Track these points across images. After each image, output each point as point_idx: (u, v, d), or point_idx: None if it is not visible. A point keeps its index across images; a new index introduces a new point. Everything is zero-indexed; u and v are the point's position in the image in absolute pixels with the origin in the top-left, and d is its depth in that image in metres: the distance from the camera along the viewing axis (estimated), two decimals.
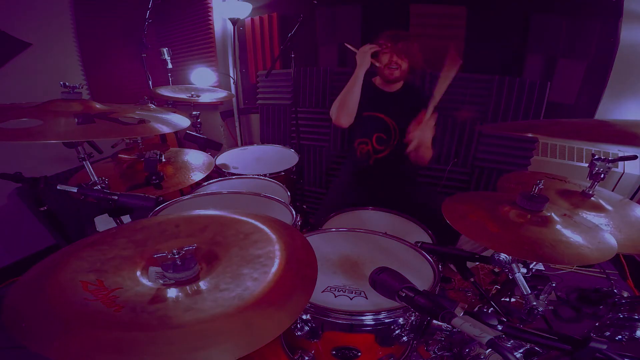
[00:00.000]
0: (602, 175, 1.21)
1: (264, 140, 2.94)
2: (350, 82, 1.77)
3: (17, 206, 2.16)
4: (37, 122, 0.89)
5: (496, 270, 1.64)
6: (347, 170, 2.05)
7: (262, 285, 0.62)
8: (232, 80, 2.93)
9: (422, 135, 1.56)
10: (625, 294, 1.03)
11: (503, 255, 0.95)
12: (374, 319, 0.86)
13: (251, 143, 3.03)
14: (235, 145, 2.31)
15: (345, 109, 1.80)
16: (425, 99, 1.82)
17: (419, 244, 1.12)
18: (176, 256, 0.65)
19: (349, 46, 1.84)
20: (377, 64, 1.77)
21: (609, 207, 1.20)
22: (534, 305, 0.96)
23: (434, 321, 0.75)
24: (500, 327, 0.55)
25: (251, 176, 1.72)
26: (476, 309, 0.94)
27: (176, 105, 2.55)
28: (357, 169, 1.97)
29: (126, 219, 1.05)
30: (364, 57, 1.72)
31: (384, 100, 1.81)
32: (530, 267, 1.06)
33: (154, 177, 1.30)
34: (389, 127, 1.81)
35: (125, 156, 1.49)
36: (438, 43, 2.23)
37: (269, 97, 2.81)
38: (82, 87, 1.09)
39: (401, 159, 1.81)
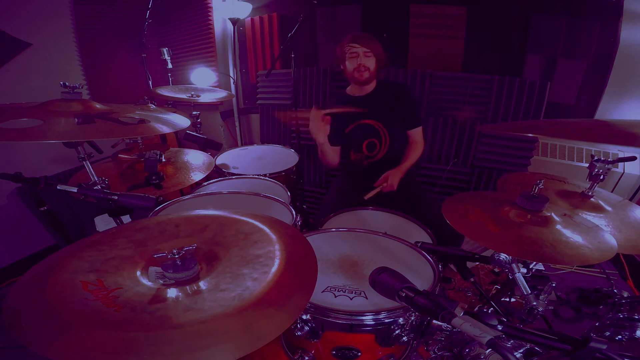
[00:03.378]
0: (601, 177, 1.22)
1: (264, 140, 2.95)
2: (319, 151, 1.77)
3: (17, 206, 2.16)
4: (37, 122, 0.89)
5: (496, 270, 1.64)
6: (345, 172, 2.05)
7: (262, 285, 0.62)
8: (232, 80, 2.93)
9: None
10: (625, 294, 1.03)
11: (503, 255, 0.95)
12: (374, 319, 0.86)
13: (251, 143, 3.03)
14: (235, 145, 2.31)
15: (327, 159, 1.83)
16: (401, 87, 1.83)
17: (419, 244, 1.12)
18: (176, 256, 0.65)
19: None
20: (345, 70, 1.77)
21: (608, 208, 1.20)
22: (534, 305, 0.96)
23: (434, 321, 0.75)
24: (500, 327, 0.55)
25: (251, 176, 1.72)
26: (476, 309, 0.94)
27: (176, 105, 2.55)
28: (353, 172, 1.97)
29: (126, 219, 1.05)
30: (316, 127, 1.58)
31: (362, 105, 1.79)
32: (530, 267, 1.06)
33: (154, 177, 1.30)
34: (376, 130, 1.80)
35: (125, 156, 1.49)
36: (438, 43, 2.23)
37: (269, 97, 2.81)
38: (82, 87, 1.08)
39: (394, 156, 1.81)
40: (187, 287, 0.64)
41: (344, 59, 1.75)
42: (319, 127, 1.58)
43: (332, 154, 1.83)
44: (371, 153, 1.86)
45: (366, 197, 1.58)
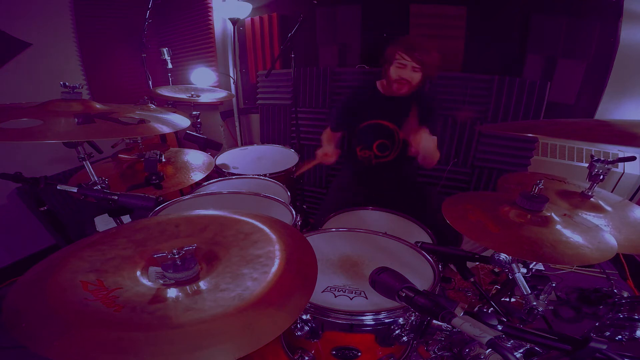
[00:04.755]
0: (601, 177, 1.22)
1: (264, 140, 2.94)
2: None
3: (17, 206, 2.16)
4: (37, 122, 0.89)
5: (496, 270, 1.64)
6: (348, 171, 2.05)
7: (262, 285, 0.62)
8: (232, 80, 2.93)
9: (425, 143, 1.53)
10: (625, 294, 1.03)
11: (503, 255, 0.95)
12: (374, 319, 0.86)
13: (251, 143, 3.03)
14: (235, 145, 2.31)
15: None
16: (430, 104, 1.80)
17: (419, 244, 1.12)
18: (176, 256, 0.65)
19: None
20: (387, 73, 1.69)
21: (608, 208, 1.20)
22: (534, 305, 0.96)
23: (434, 321, 0.76)
24: (500, 327, 0.55)
25: (251, 176, 1.72)
26: (476, 309, 0.94)
27: (176, 105, 2.55)
28: (357, 170, 1.97)
29: (126, 219, 1.05)
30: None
31: (388, 106, 1.77)
32: (530, 267, 1.06)
33: (154, 177, 1.30)
34: (392, 134, 1.78)
35: (125, 156, 1.49)
36: (438, 43, 2.23)
37: (269, 97, 2.81)
38: (82, 87, 1.08)
39: (403, 161, 1.81)
40: (187, 287, 0.64)
41: (391, 62, 1.67)
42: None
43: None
44: (382, 154, 1.84)
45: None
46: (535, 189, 0.99)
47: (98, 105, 1.09)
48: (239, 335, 0.54)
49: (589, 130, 0.87)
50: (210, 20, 2.81)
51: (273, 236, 0.78)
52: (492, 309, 1.02)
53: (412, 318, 0.87)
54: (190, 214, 0.90)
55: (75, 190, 0.93)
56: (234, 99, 2.94)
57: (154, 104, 1.92)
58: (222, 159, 1.98)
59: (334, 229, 1.26)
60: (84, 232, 2.26)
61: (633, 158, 1.32)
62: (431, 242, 1.29)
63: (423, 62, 1.61)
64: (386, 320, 0.86)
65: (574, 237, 0.91)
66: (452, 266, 1.12)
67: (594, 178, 1.23)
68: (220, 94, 2.23)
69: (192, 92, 2.07)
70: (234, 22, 2.58)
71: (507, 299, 1.28)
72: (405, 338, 0.88)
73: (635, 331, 0.93)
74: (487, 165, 2.24)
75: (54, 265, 0.67)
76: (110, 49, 2.69)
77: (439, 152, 1.79)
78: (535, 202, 0.98)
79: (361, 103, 1.83)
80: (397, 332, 0.87)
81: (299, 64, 2.37)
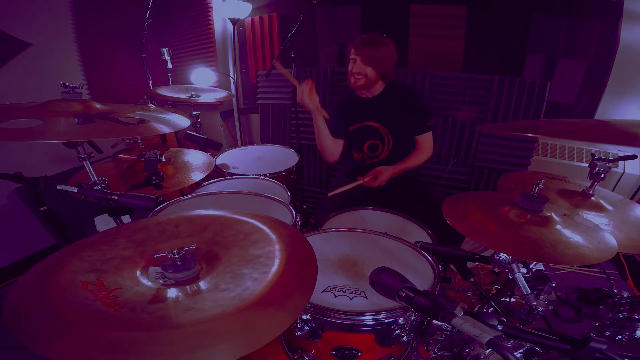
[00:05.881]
0: (602, 175, 1.21)
1: (264, 140, 2.94)
2: (315, 131, 1.78)
3: (17, 206, 2.16)
4: (37, 122, 0.89)
5: (496, 270, 1.63)
6: (346, 171, 2.05)
7: (262, 285, 0.62)
8: (232, 80, 2.93)
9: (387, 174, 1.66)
10: (625, 294, 1.03)
11: (503, 255, 0.95)
12: (374, 319, 0.86)
13: (251, 143, 3.03)
14: (235, 145, 2.31)
15: (326, 151, 1.85)
16: (411, 93, 1.81)
17: (419, 244, 1.12)
18: (176, 256, 0.65)
19: (281, 70, 1.76)
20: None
21: (609, 207, 1.20)
22: (534, 305, 0.96)
23: (434, 321, 0.75)
24: (500, 327, 0.55)
25: (251, 176, 1.72)
26: (476, 309, 0.94)
27: (176, 105, 2.55)
28: (354, 170, 1.97)
29: (126, 219, 1.05)
30: (309, 103, 1.63)
31: (368, 107, 1.79)
32: (530, 267, 1.06)
33: (154, 177, 1.30)
34: (380, 133, 1.80)
35: (125, 156, 1.49)
36: (438, 43, 2.23)
37: (269, 97, 2.81)
38: (82, 87, 1.08)
39: (397, 159, 1.81)
40: (187, 287, 0.64)
41: (348, 60, 1.73)
42: (310, 98, 1.63)
43: (332, 144, 1.82)
44: (373, 154, 1.86)
45: (330, 194, 1.56)
46: (535, 189, 0.99)
47: (98, 105, 1.09)
48: (239, 335, 0.54)
49: (589, 130, 0.87)
50: (210, 20, 2.81)
51: (273, 236, 0.78)
52: (492, 309, 1.02)
53: (412, 318, 0.87)
54: (190, 214, 0.90)
55: (75, 190, 0.93)
56: (234, 99, 2.94)
57: (154, 104, 1.92)
58: (222, 159, 1.98)
59: (334, 229, 1.26)
60: (84, 232, 2.26)
61: (634, 156, 1.32)
62: (431, 242, 1.29)
63: (367, 55, 1.65)
64: (386, 320, 0.86)
65: (574, 237, 0.91)
66: (452, 266, 1.12)
67: (595, 176, 1.23)
68: (220, 94, 2.24)
69: (192, 92, 2.07)
70: (234, 22, 2.58)
71: (507, 299, 1.28)
72: (405, 338, 0.88)
73: (635, 331, 0.93)
74: (487, 165, 2.24)
75: (54, 265, 0.67)
76: (110, 49, 2.69)
77: (431, 148, 1.85)
78: (535, 202, 0.98)
79: (346, 109, 1.86)
80: (397, 332, 0.87)
81: (299, 64, 2.37)
